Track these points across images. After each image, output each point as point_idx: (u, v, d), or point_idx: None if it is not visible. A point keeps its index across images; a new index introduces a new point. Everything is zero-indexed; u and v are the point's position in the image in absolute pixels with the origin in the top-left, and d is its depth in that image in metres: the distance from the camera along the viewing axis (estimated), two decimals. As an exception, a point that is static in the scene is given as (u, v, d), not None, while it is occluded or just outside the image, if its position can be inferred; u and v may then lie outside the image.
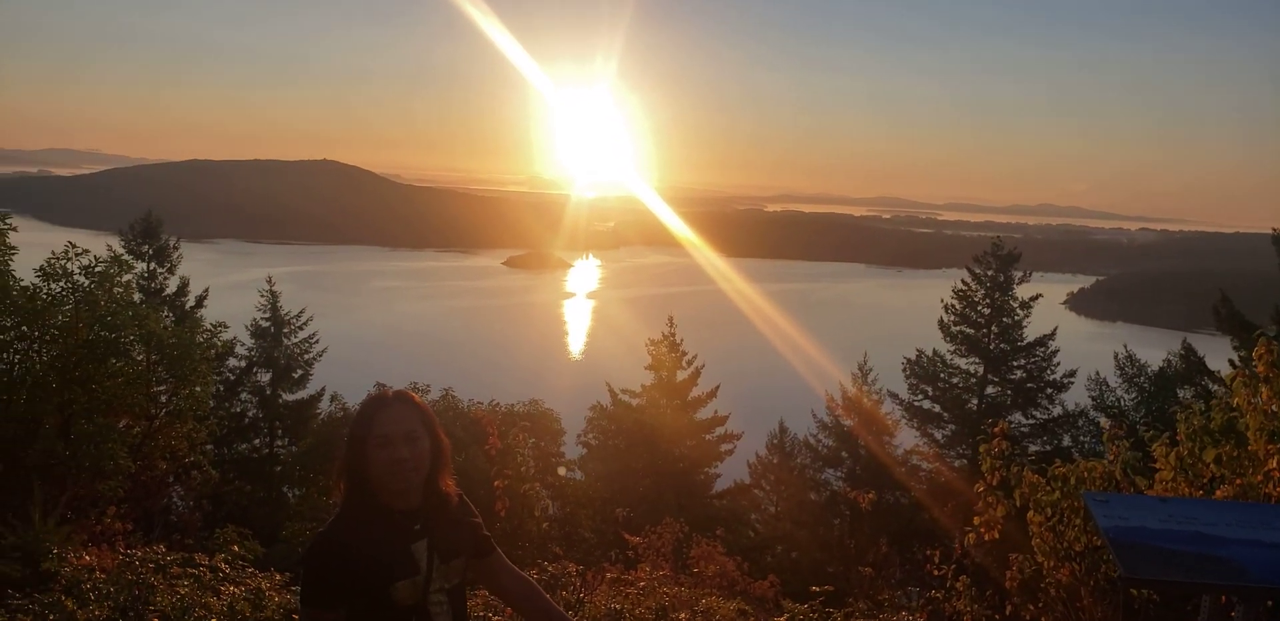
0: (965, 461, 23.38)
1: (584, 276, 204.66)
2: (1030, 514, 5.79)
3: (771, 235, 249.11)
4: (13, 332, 14.19)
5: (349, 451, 2.47)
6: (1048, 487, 5.78)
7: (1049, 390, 24.45)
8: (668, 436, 23.74)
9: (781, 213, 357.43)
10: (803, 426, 28.32)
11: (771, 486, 27.29)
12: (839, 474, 26.13)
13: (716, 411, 26.41)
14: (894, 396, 25.89)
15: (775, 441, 28.41)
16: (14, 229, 14.38)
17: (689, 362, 26.05)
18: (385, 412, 2.47)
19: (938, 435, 25.12)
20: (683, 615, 6.07)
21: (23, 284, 14.16)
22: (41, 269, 14.64)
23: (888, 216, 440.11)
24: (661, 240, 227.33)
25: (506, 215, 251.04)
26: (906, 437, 25.57)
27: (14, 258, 14.18)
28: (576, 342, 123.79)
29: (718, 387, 26.67)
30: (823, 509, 24.32)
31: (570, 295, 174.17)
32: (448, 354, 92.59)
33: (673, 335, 25.86)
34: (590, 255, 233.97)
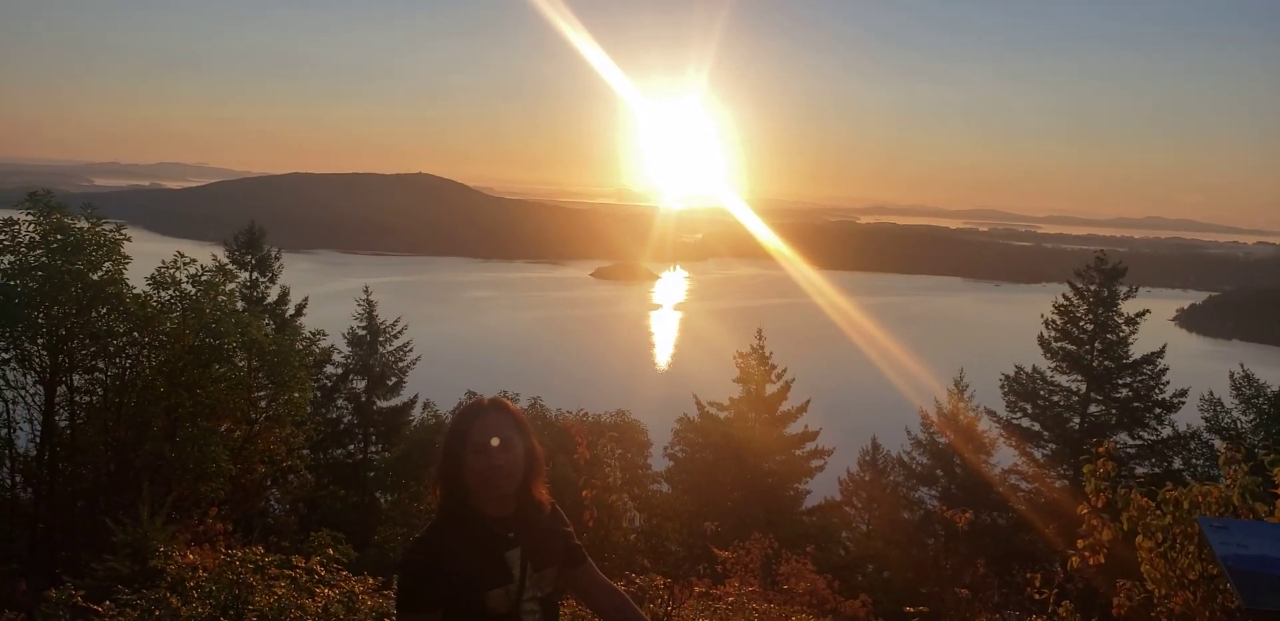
0: (1066, 482, 22.47)
1: (671, 288, 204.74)
2: (1139, 538, 5.48)
3: (865, 247, 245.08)
4: (125, 338, 14.85)
5: (444, 457, 2.49)
6: (1158, 512, 5.46)
7: (1157, 410, 23.32)
8: (756, 451, 23.44)
9: (875, 225, 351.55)
10: (896, 443, 27.63)
11: (863, 504, 26.72)
12: (933, 492, 25.38)
13: (807, 426, 25.98)
14: (991, 414, 25.07)
15: (867, 458, 27.83)
16: (128, 239, 15.06)
17: (778, 376, 25.71)
18: (481, 419, 2.49)
19: (1037, 454, 24.20)
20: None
21: (135, 291, 14.82)
22: (152, 277, 15.31)
23: (985, 229, 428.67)
24: (751, 252, 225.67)
25: (595, 227, 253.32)
26: (1004, 456, 24.72)
27: (127, 266, 14.85)
28: (663, 354, 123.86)
29: (808, 402, 26.25)
30: (916, 528, 23.66)
31: (657, 306, 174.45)
32: (536, 363, 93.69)
33: (762, 347, 25.58)
34: (678, 267, 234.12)
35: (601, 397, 36.87)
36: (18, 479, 14.93)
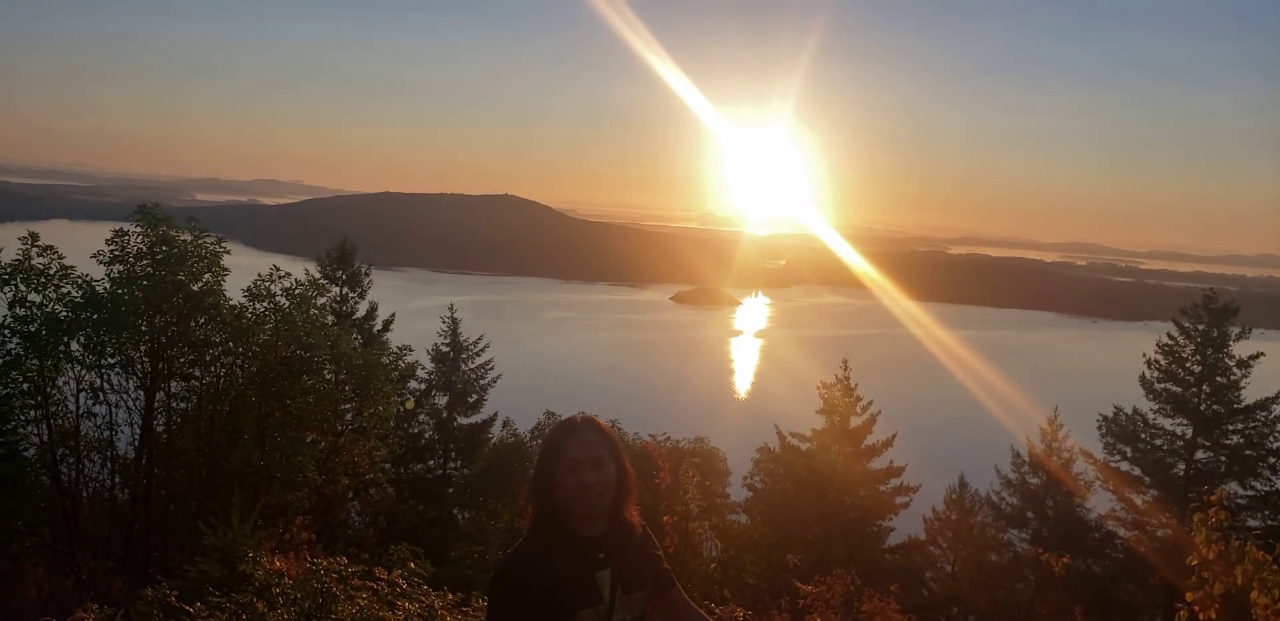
0: (1169, 531, 21.36)
1: (753, 314, 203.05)
2: (1254, 594, 5.09)
3: (955, 279, 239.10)
4: (221, 348, 15.29)
5: (537, 475, 2.49)
6: (1275, 567, 5.08)
7: (1272, 459, 22.06)
8: (839, 484, 22.87)
9: (965, 256, 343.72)
10: (985, 482, 26.72)
11: (949, 543, 25.83)
12: (1024, 535, 24.42)
13: (892, 461, 25.30)
14: (1087, 455, 24.05)
15: (954, 496, 26.91)
16: (228, 252, 15.55)
17: (864, 408, 25.13)
18: (574, 438, 2.47)
19: (1137, 500, 23.09)
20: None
21: (232, 303, 15.27)
22: (249, 289, 15.76)
23: (1082, 263, 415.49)
24: (837, 280, 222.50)
25: (677, 251, 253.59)
26: (1101, 500, 23.69)
27: (226, 278, 15.32)
28: (743, 381, 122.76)
29: (894, 436, 25.57)
30: (1005, 571, 22.76)
31: (738, 333, 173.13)
32: (614, 386, 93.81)
33: (847, 378, 25.06)
34: (760, 293, 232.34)
35: (679, 423, 36.61)
36: (117, 479, 15.43)
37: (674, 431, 26.86)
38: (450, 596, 5.84)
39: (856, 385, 25.08)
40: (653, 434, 24.62)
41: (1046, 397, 30.72)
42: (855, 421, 24.87)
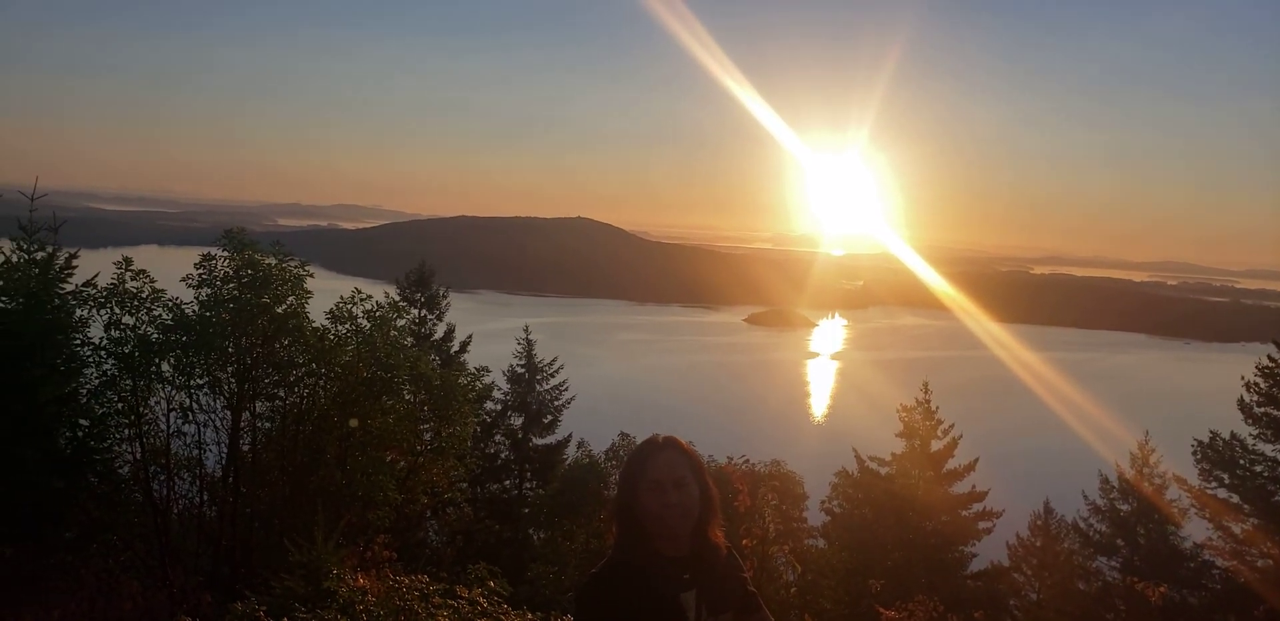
0: (1271, 561, 20.32)
1: (829, 336, 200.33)
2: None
3: (1039, 299, 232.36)
4: (304, 369, 15.63)
5: (620, 495, 2.50)
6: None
7: (1382, 486, 20.89)
8: (919, 509, 22.37)
9: (1050, 275, 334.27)
10: (1071, 508, 25.83)
11: (1033, 571, 24.96)
12: (1113, 563, 23.51)
13: (975, 486, 24.68)
14: (1181, 481, 23.08)
15: (1039, 522, 26.03)
16: (311, 275, 15.94)
17: (944, 432, 24.59)
18: (657, 457, 2.46)
19: (1236, 528, 22.04)
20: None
21: (314, 325, 15.63)
22: (331, 312, 16.11)
23: (1174, 283, 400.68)
24: (916, 300, 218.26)
25: (750, 272, 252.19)
26: (1196, 529, 22.67)
27: (309, 301, 15.69)
28: (820, 404, 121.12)
29: (976, 461, 24.95)
30: (1094, 601, 21.93)
31: (814, 355, 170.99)
32: (688, 408, 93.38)
33: (927, 401, 24.56)
34: (836, 314, 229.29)
35: (754, 446, 36.22)
36: (205, 496, 15.86)
37: (749, 454, 26.61)
38: (530, 616, 5.85)
39: (937, 408, 24.57)
40: (730, 456, 24.43)
41: (1137, 421, 29.61)
42: (936, 445, 24.33)
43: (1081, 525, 24.97)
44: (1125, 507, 23.36)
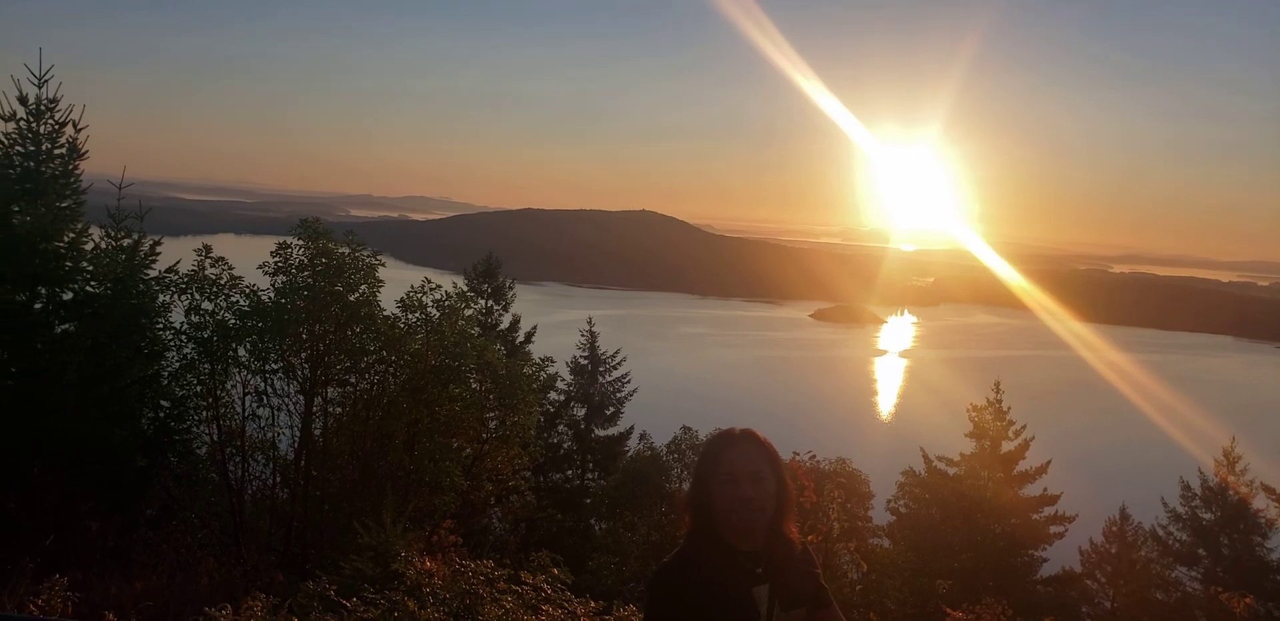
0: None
1: (898, 333, 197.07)
2: None
3: (1117, 299, 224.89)
4: (375, 356, 15.94)
5: (694, 486, 2.45)
6: None
7: None
8: (988, 511, 21.89)
9: (1130, 274, 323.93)
10: (1149, 515, 25.03)
11: (1107, 578, 24.29)
12: (1194, 573, 22.70)
13: (1047, 489, 24.06)
14: (1269, 491, 22.14)
15: (1115, 529, 25.31)
16: (383, 264, 16.21)
17: (1016, 433, 24.02)
18: (732, 450, 2.43)
19: (1327, 542, 21.14)
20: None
21: (385, 314, 15.92)
22: (402, 301, 16.41)
23: (1264, 284, 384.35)
24: (991, 298, 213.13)
25: (817, 267, 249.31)
26: (1285, 539, 21.79)
27: (380, 290, 15.97)
28: (886, 402, 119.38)
29: (1049, 463, 24.31)
30: (1172, 611, 21.20)
31: (882, 352, 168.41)
32: (751, 403, 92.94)
33: (999, 401, 24.02)
34: (905, 311, 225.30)
35: (819, 443, 35.71)
36: (277, 479, 16.27)
37: (814, 451, 26.37)
38: (592, 604, 5.85)
39: (1009, 408, 24.01)
40: (796, 451, 24.21)
41: (1223, 426, 28.57)
42: (1007, 446, 23.80)
43: (1160, 533, 24.16)
44: (1208, 516, 22.53)
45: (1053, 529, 23.43)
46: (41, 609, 4.96)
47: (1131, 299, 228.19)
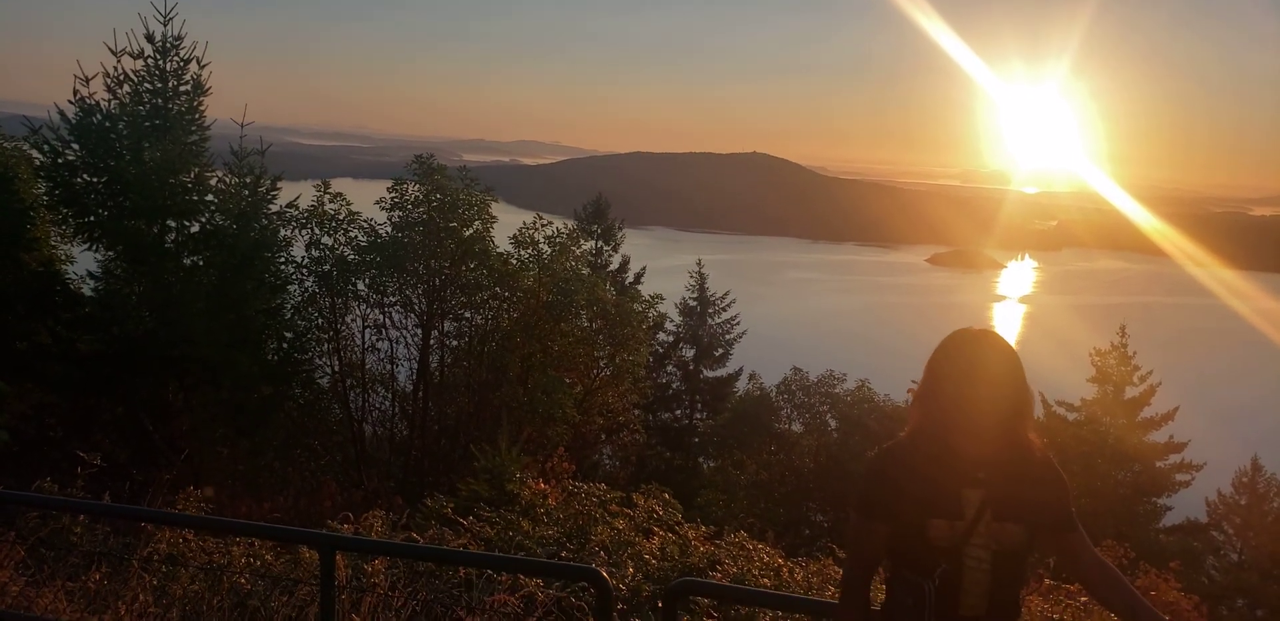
0: None
1: (1018, 278, 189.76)
2: None
3: (1259, 243, 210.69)
4: (489, 292, 16.25)
5: (925, 382, 2.35)
6: None
7: None
8: (1109, 457, 21.12)
9: (1273, 217, 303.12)
10: (1285, 466, 23.77)
11: (1236, 530, 23.26)
12: (1332, 527, 21.55)
13: (1173, 437, 23.04)
14: None
15: (1245, 479, 24.13)
16: (496, 199, 16.40)
17: (1142, 378, 22.98)
18: (971, 348, 2.30)
19: None
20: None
21: (498, 250, 16.15)
22: (514, 237, 16.62)
23: None
24: (1119, 243, 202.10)
25: (934, 210, 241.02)
26: None
27: (494, 226, 16.18)
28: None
29: (1176, 410, 23.23)
30: (1306, 565, 20.20)
31: (1001, 298, 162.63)
32: (863, 348, 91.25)
33: (1124, 345, 22.97)
34: (1026, 256, 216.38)
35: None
36: (396, 409, 16.89)
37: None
38: (704, 528, 5.84)
39: (1135, 353, 22.94)
40: (896, 398, 23.70)
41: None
42: (1131, 392, 22.84)
43: (1296, 484, 22.96)
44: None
45: (1178, 477, 22.49)
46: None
47: (1274, 243, 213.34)
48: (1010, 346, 2.30)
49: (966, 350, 2.30)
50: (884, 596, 2.36)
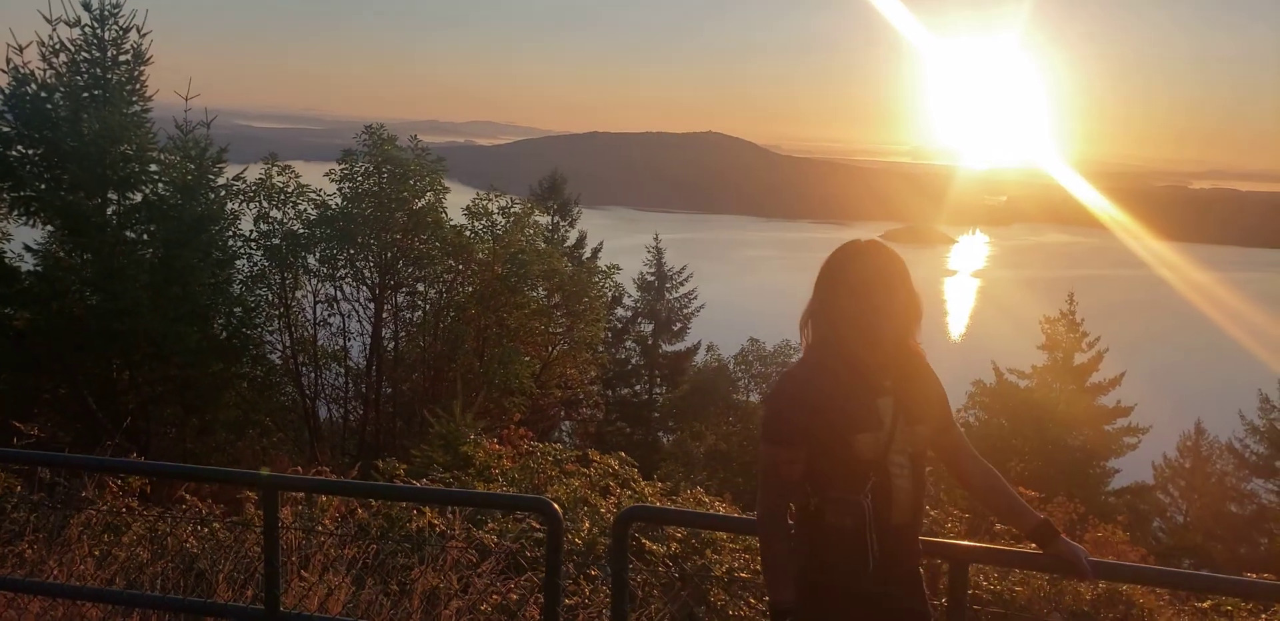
0: None
1: (969, 253, 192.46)
2: None
3: (1197, 216, 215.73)
4: (441, 266, 16.08)
5: (817, 297, 2.34)
6: None
7: None
8: (1060, 421, 21.52)
9: (1211, 191, 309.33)
10: (1226, 429, 24.46)
11: (1181, 492, 23.96)
12: (1270, 486, 22.25)
13: (1120, 401, 23.59)
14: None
15: (1189, 443, 24.83)
16: (446, 171, 16.20)
17: (1090, 345, 23.45)
18: (861, 259, 2.32)
19: None
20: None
21: (451, 223, 15.97)
22: (468, 208, 16.43)
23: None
24: (1066, 217, 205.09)
25: (885, 187, 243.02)
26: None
27: (446, 197, 15.98)
28: (957, 322, 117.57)
29: (1122, 375, 23.77)
30: (1247, 524, 20.89)
31: (952, 273, 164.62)
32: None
33: (1072, 313, 23.39)
34: (977, 231, 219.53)
35: (888, 360, 35.23)
36: (349, 385, 16.70)
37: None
38: (660, 484, 5.83)
39: (1083, 320, 23.38)
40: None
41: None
42: (1080, 358, 23.31)
43: (1237, 445, 23.69)
44: (1289, 428, 21.94)
45: (1125, 439, 23.04)
46: (119, 487, 5.05)
47: (1211, 216, 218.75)
48: (897, 254, 2.31)
49: (860, 261, 2.30)
50: (802, 529, 2.29)
